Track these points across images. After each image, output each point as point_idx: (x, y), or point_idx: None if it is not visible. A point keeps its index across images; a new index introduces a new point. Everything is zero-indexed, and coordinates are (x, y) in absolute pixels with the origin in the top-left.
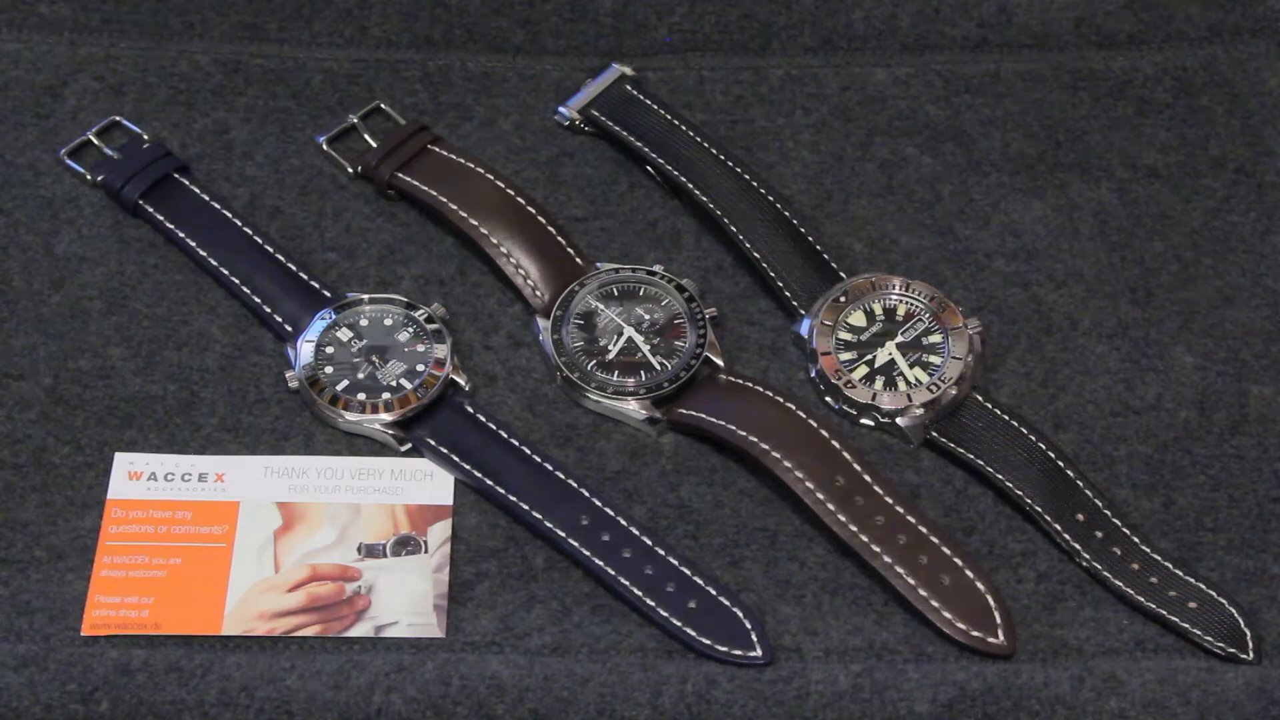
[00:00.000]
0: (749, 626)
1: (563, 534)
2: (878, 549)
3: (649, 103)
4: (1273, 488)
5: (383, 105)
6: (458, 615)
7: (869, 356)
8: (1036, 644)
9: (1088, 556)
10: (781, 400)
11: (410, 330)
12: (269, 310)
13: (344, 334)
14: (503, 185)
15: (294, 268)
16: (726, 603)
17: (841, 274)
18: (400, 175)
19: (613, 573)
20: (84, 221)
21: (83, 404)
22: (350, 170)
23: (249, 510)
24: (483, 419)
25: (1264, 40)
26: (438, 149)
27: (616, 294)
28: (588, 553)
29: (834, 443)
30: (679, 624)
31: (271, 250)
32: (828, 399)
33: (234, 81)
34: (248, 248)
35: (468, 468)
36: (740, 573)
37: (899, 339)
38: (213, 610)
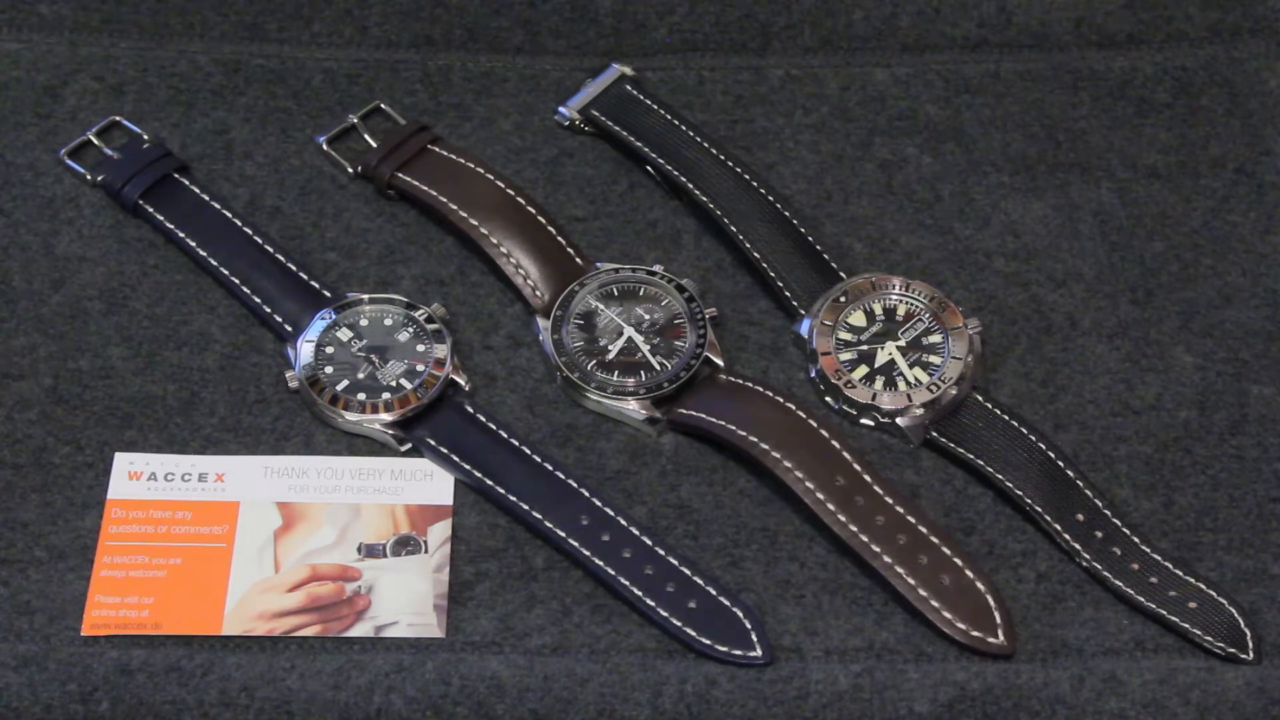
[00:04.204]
0: (749, 626)
1: (563, 534)
2: (878, 549)
3: (649, 103)
4: (1273, 488)
5: (383, 105)
6: (458, 615)
7: (869, 355)
8: (1036, 644)
9: (1088, 556)
10: (781, 400)
11: (410, 330)
12: (269, 310)
13: (344, 334)
14: (503, 185)
15: (294, 268)
16: (726, 603)
17: (841, 274)
18: (400, 175)
19: (613, 573)
20: (84, 221)
21: (83, 404)
22: (350, 170)
23: (249, 510)
24: (483, 419)
25: (1264, 40)
26: (438, 149)
27: (616, 294)
28: (588, 553)
29: (834, 443)
30: (679, 624)
31: (271, 250)
32: (828, 399)
33: (234, 81)
34: (248, 248)
35: (468, 468)
36: (740, 573)
37: (899, 339)
38: (213, 610)
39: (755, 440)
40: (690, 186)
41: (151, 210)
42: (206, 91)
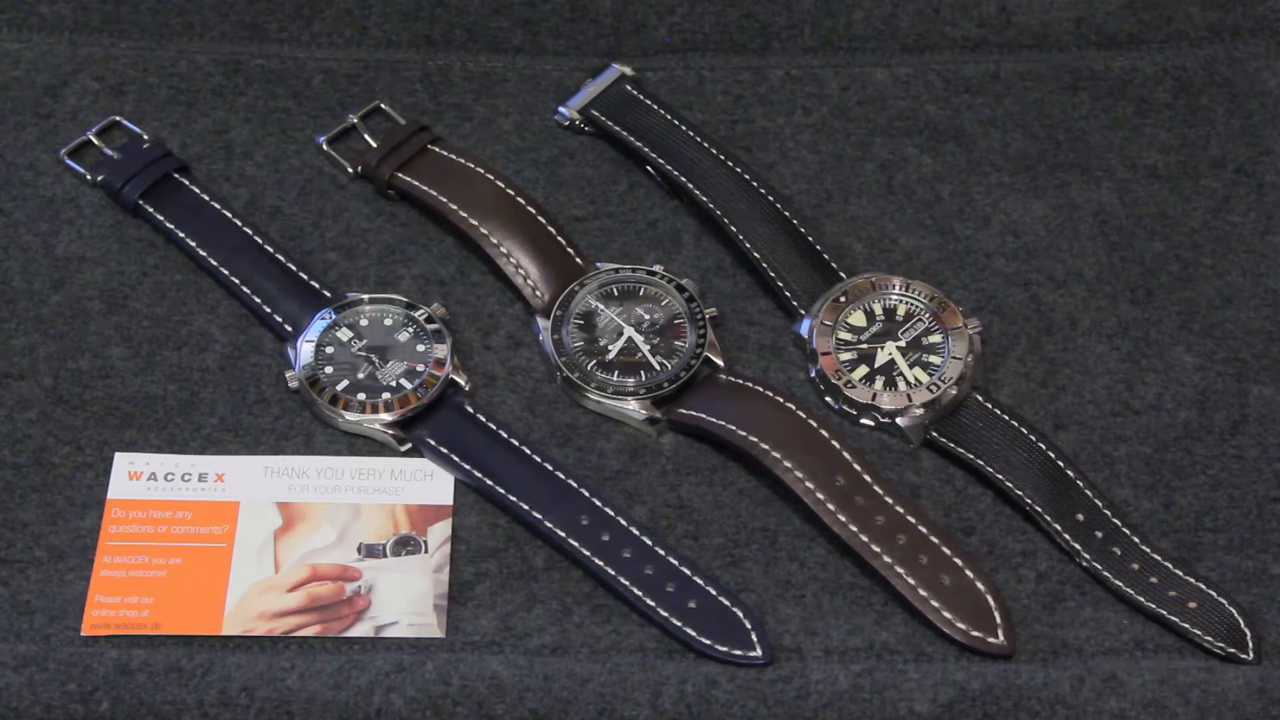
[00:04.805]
0: (749, 626)
1: (563, 534)
2: (878, 549)
3: (649, 103)
4: (1273, 488)
5: (383, 105)
6: (458, 615)
7: (869, 355)
8: (1036, 644)
9: (1088, 556)
10: (781, 400)
11: (410, 330)
12: (269, 310)
13: (344, 334)
14: (503, 185)
15: (294, 268)
16: (726, 603)
17: (841, 274)
18: (400, 175)
19: (613, 573)
20: (84, 221)
21: (83, 404)
22: (350, 170)
23: (249, 510)
24: (483, 419)
25: (1264, 40)
26: (438, 149)
27: (616, 294)
28: (588, 553)
29: (834, 443)
30: (679, 624)
31: (271, 250)
32: (828, 399)
33: (234, 81)
34: (248, 248)
35: (468, 468)
36: (740, 573)
37: (899, 339)
38: (213, 610)
39: (755, 440)
40: (690, 186)
41: (151, 210)
42: (206, 91)
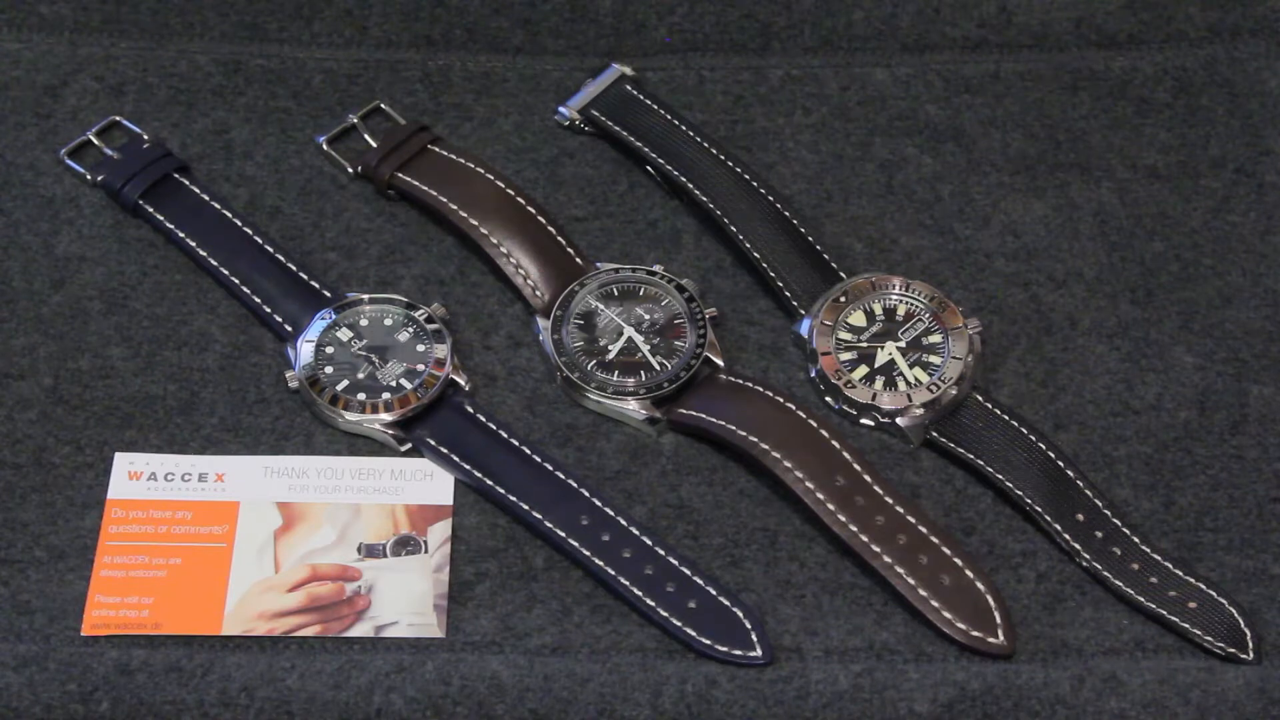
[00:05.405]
0: (749, 626)
1: (563, 534)
2: (878, 549)
3: (649, 103)
4: (1273, 488)
5: (383, 105)
6: (458, 615)
7: (869, 355)
8: (1036, 644)
9: (1088, 556)
10: (781, 400)
11: (410, 330)
12: (269, 310)
13: (344, 334)
14: (503, 185)
15: (294, 268)
16: (726, 603)
17: (841, 274)
18: (400, 175)
19: (613, 573)
20: (84, 221)
21: (83, 404)
22: (350, 170)
23: (249, 510)
24: (483, 419)
25: (1264, 40)
26: (437, 149)
27: (616, 294)
28: (588, 553)
29: (834, 443)
30: (679, 624)
31: (271, 250)
32: (828, 399)
33: (234, 81)
34: (248, 248)
35: (468, 468)
36: (740, 573)
37: (899, 339)
38: (213, 610)
39: (755, 440)
40: (690, 186)
41: (151, 210)
42: (206, 91)
